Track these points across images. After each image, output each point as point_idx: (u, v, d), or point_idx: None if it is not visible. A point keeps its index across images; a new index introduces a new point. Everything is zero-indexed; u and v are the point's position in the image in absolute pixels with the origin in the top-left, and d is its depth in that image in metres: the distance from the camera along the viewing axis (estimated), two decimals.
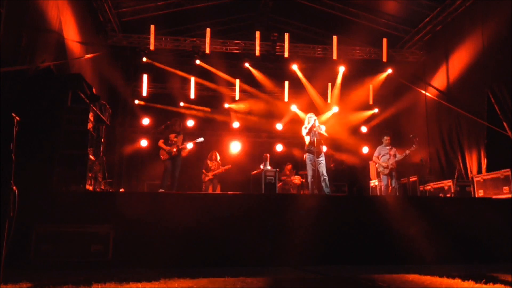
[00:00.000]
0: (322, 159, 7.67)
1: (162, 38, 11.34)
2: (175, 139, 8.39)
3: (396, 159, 8.88)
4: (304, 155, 7.81)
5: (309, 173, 7.73)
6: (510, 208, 5.82)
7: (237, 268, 4.75)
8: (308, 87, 12.81)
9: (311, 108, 12.55)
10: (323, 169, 7.60)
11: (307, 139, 7.76)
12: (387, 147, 9.14)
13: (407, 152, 8.81)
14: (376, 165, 9.30)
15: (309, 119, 7.71)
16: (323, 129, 7.83)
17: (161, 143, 8.41)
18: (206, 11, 11.04)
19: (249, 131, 14.16)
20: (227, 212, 5.33)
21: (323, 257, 5.23)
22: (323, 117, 12.17)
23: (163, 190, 7.84)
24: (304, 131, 7.79)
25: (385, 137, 9.26)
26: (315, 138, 7.58)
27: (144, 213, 5.10)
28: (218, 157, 10.41)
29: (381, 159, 9.07)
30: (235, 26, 12.70)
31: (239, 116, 13.91)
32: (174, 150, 8.28)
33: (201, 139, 8.75)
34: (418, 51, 12.00)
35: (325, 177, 7.54)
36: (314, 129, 7.61)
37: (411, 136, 9.18)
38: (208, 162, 10.27)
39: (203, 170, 10.20)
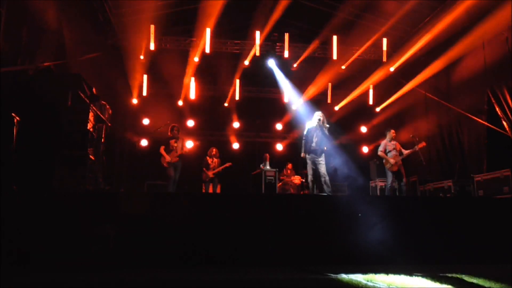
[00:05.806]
0: (322, 158, 7.56)
1: (162, 38, 11.33)
2: (175, 145, 8.71)
3: (403, 156, 8.36)
4: (304, 154, 7.69)
5: (309, 172, 7.66)
6: (510, 208, 5.82)
7: (237, 268, 4.75)
8: (308, 87, 12.81)
9: (312, 108, 12.54)
10: (323, 169, 7.50)
11: (309, 138, 7.66)
12: (393, 142, 8.58)
13: (416, 148, 8.27)
14: (384, 161, 8.56)
15: (316, 118, 7.61)
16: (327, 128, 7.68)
17: (162, 149, 8.71)
18: (206, 11, 11.01)
19: (249, 131, 14.14)
20: (227, 212, 5.33)
21: (323, 257, 5.23)
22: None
23: None
24: (305, 130, 7.73)
25: (391, 131, 8.66)
26: (317, 138, 7.50)
27: (144, 213, 5.11)
28: (218, 154, 10.21)
29: (387, 155, 8.46)
30: (235, 26, 12.68)
31: (239, 116, 13.89)
32: (174, 157, 8.61)
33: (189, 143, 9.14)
34: (418, 51, 11.97)
35: (325, 177, 7.43)
36: (320, 128, 7.53)
37: (411, 136, 9.12)
38: (208, 159, 10.10)
39: (204, 169, 10.01)
